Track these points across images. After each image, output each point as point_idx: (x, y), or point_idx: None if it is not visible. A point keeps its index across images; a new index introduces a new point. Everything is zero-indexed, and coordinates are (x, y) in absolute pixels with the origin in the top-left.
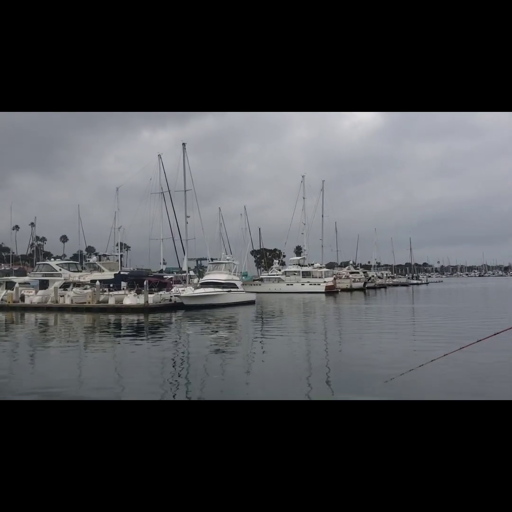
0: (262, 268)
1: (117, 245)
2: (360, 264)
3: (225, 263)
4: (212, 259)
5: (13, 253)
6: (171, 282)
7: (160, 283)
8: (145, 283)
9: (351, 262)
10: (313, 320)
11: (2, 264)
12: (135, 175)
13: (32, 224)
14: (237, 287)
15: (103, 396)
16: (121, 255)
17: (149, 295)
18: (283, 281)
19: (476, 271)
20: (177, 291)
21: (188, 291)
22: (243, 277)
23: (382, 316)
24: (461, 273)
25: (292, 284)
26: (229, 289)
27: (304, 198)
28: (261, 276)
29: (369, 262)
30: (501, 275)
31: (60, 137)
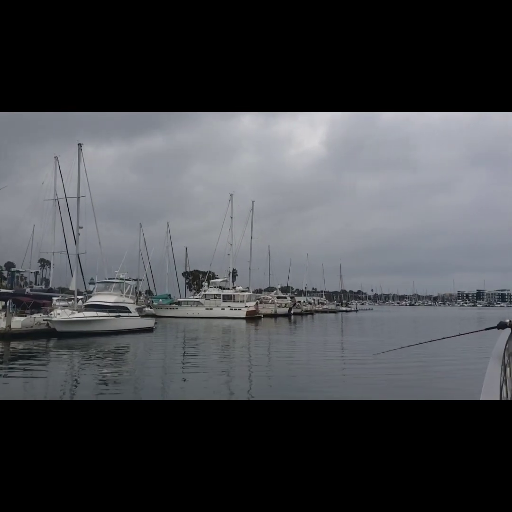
0: (194, 291)
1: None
2: (298, 289)
3: (116, 282)
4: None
5: None
6: (49, 302)
7: (34, 304)
8: (7, 303)
9: (279, 286)
10: (201, 362)
11: None
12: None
13: None
14: (130, 311)
15: (103, 396)
16: (37, 272)
17: (20, 318)
18: (203, 305)
19: (407, 300)
20: (55, 314)
21: (63, 314)
22: (160, 300)
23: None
24: (393, 302)
25: (211, 309)
26: (118, 314)
27: (231, 217)
28: (178, 300)
29: (305, 287)
30: (430, 305)
31: None
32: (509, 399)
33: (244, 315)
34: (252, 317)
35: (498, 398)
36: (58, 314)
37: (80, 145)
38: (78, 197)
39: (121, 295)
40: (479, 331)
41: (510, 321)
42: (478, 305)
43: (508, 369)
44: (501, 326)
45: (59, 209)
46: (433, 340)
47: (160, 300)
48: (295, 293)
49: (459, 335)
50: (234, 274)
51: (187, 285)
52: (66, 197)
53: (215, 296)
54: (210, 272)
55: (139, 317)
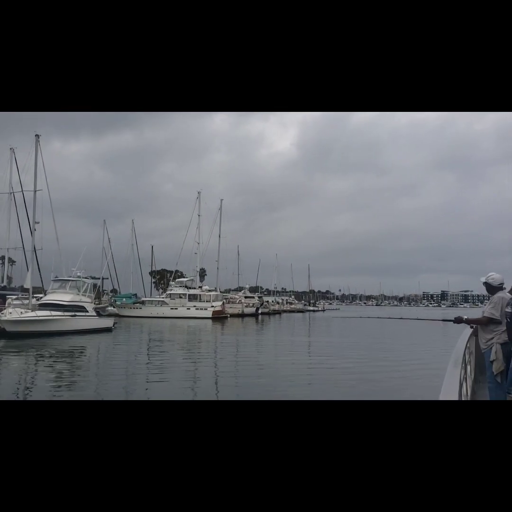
0: (161, 290)
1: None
2: (267, 289)
3: (72, 280)
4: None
5: None
6: (1, 301)
7: None
8: None
9: (247, 286)
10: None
11: None
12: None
13: None
14: (87, 311)
15: (103, 396)
16: None
17: None
18: (167, 304)
19: (374, 300)
20: (6, 313)
21: (14, 313)
22: (123, 299)
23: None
24: (360, 302)
25: (176, 308)
26: (73, 313)
27: (199, 215)
28: (142, 299)
29: (275, 287)
30: (396, 305)
31: None
32: (468, 397)
33: (210, 315)
34: (219, 317)
35: (456, 398)
36: (10, 313)
37: (37, 136)
38: (35, 191)
39: (78, 294)
40: (437, 320)
41: (466, 318)
42: (442, 306)
43: (468, 367)
44: (457, 320)
45: (15, 203)
46: (391, 318)
47: (124, 299)
48: (265, 293)
49: (417, 319)
50: (202, 273)
51: (154, 285)
52: (22, 191)
53: (181, 296)
54: (178, 271)
55: (96, 317)
